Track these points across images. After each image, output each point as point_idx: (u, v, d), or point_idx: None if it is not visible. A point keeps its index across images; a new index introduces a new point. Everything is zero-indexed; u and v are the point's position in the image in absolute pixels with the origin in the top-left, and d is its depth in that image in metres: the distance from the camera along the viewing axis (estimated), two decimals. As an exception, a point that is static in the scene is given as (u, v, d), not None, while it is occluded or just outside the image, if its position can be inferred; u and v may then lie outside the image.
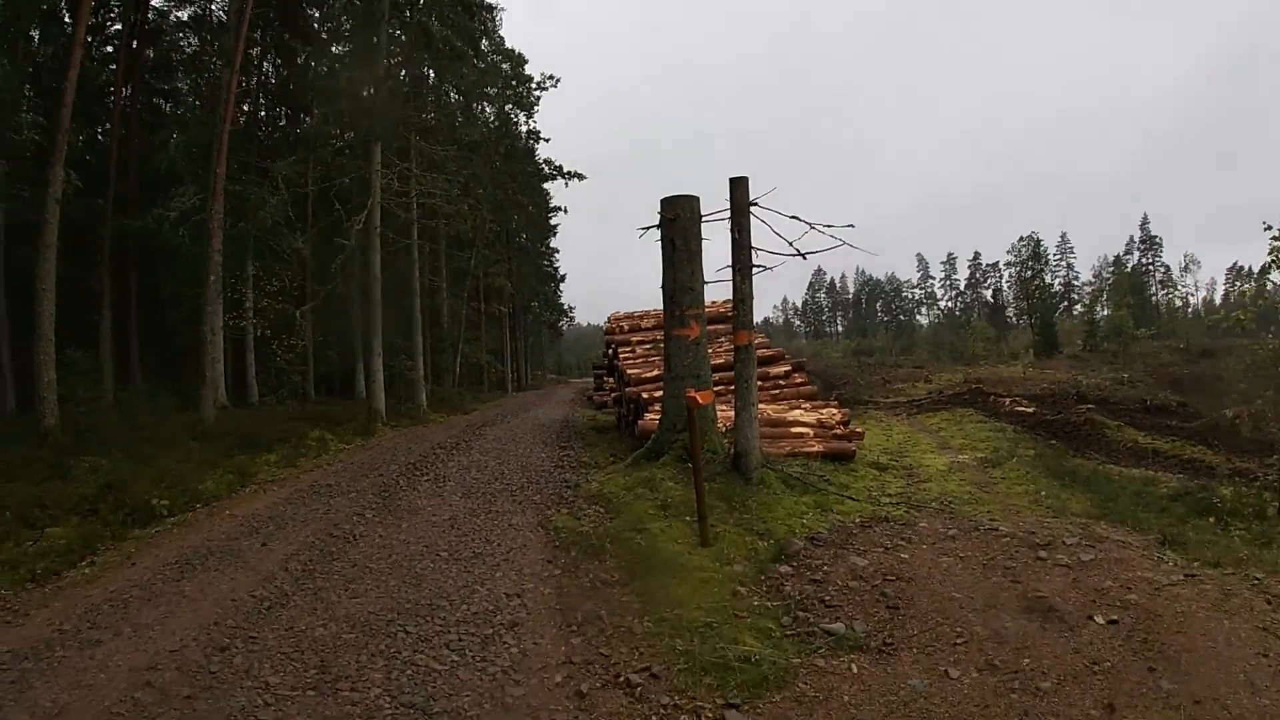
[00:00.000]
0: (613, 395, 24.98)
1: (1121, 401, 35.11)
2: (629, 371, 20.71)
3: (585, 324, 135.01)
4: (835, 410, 17.79)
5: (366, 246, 30.37)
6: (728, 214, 13.40)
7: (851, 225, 12.82)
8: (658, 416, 16.20)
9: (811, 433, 16.63)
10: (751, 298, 13.24)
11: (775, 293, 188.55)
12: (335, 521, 12.82)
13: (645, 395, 18.73)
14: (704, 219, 14.88)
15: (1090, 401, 33.58)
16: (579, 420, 28.44)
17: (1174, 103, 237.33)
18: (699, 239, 14.90)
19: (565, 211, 74.12)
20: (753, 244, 13.20)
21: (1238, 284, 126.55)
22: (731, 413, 13.76)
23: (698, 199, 14.99)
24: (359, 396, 38.66)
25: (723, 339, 20.79)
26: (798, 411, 17.60)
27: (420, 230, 44.46)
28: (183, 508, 14.33)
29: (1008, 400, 30.92)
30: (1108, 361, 64.08)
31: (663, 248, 15.09)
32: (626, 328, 24.19)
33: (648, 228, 15.29)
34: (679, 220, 14.78)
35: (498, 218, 57.59)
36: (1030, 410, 28.74)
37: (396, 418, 31.09)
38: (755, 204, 13.22)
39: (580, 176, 61.45)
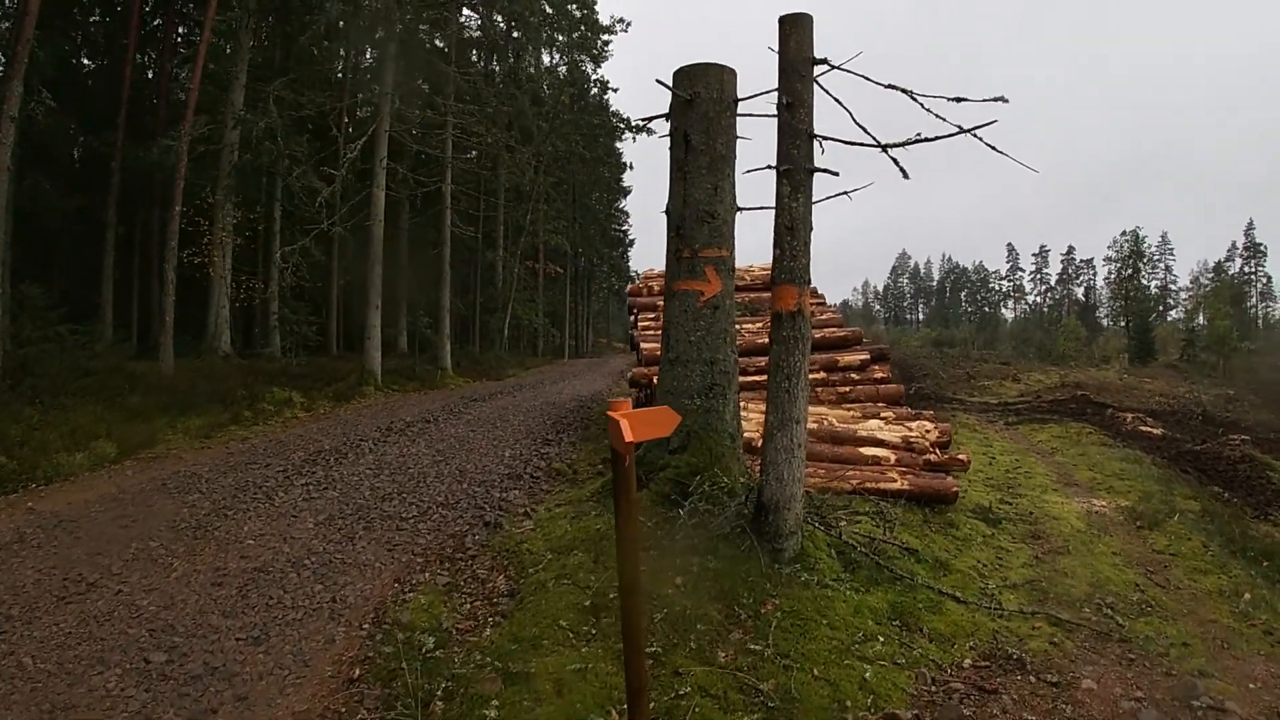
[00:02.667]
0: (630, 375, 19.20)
1: (1256, 428, 28.61)
2: (644, 346, 14.70)
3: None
4: (930, 424, 11.62)
5: (371, 183, 24.84)
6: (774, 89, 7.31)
7: (999, 104, 6.73)
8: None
9: (894, 458, 10.77)
10: (808, 227, 7.09)
11: (856, 275, 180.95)
12: (98, 549, 8.65)
13: (657, 380, 12.80)
14: (740, 105, 8.85)
15: (1228, 427, 27.06)
16: (605, 399, 22.78)
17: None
18: (729, 136, 8.93)
19: (631, 168, 66.97)
20: (815, 130, 7.07)
21: None
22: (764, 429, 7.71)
23: (731, 72, 9.00)
24: (401, 351, 33.81)
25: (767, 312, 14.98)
26: (874, 423, 11.49)
27: (468, 177, 39.33)
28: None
29: (1129, 417, 24.46)
30: (1206, 374, 58.59)
31: (671, 149, 9.08)
32: (656, 289, 18.09)
33: (649, 119, 9.33)
34: (698, 104, 8.81)
35: (561, 172, 52.08)
36: (1159, 433, 22.39)
37: (400, 380, 26.30)
38: (825, 63, 7.08)
39: (650, 131, 55.01)
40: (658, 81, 8.27)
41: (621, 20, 48.98)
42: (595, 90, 52.91)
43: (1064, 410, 27.73)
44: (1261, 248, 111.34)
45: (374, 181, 24.90)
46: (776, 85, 7.11)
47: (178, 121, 24.58)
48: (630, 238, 74.81)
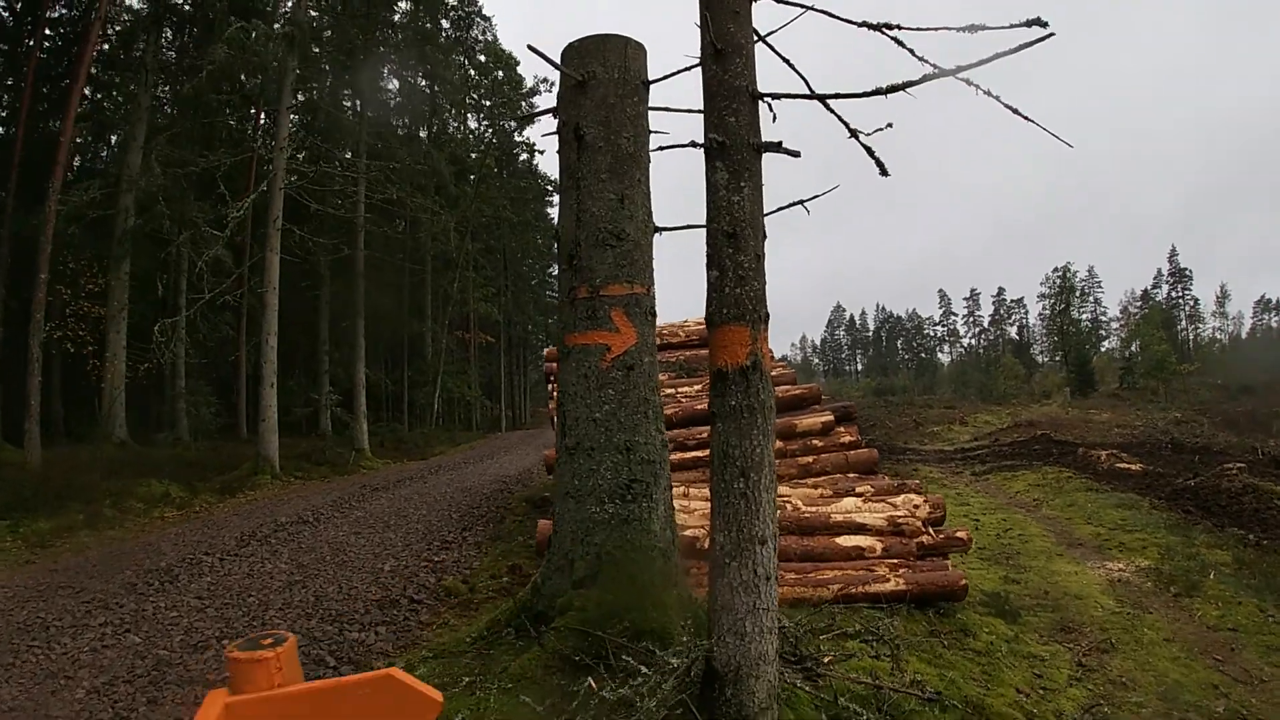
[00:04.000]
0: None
1: (1232, 451, 26.54)
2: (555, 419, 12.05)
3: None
4: (918, 497, 8.97)
5: (265, 246, 22.16)
6: (697, 60, 4.72)
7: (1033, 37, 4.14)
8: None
9: (880, 547, 8.14)
10: (759, 233, 4.50)
11: (795, 329, 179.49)
12: None
13: (554, 477, 10.21)
14: (650, 88, 6.38)
15: (1205, 454, 24.90)
16: (533, 478, 20.27)
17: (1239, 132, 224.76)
18: (639, 129, 6.36)
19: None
20: (758, 88, 4.52)
21: (1265, 316, 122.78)
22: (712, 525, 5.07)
23: (637, 46, 6.50)
24: (324, 431, 30.96)
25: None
26: (850, 502, 8.80)
27: (391, 243, 36.81)
28: None
29: (1103, 455, 22.17)
30: (1148, 400, 57.90)
31: (560, 151, 6.54)
32: None
33: (535, 114, 6.80)
34: (594, 87, 6.29)
35: (490, 238, 49.59)
36: (1138, 469, 20.12)
37: (306, 467, 23.46)
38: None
39: (532, 120, 52.85)
40: (531, 49, 5.60)
41: (545, 80, 47.03)
42: (523, 155, 50.76)
43: (1029, 453, 25.85)
44: (1186, 272, 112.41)
45: (268, 244, 22.14)
46: (700, 29, 4.57)
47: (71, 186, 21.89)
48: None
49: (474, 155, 44.70)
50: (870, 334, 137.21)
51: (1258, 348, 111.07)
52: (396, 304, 39.20)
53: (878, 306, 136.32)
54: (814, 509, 8.53)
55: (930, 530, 8.55)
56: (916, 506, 8.68)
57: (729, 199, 4.35)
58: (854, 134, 4.53)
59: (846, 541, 8.10)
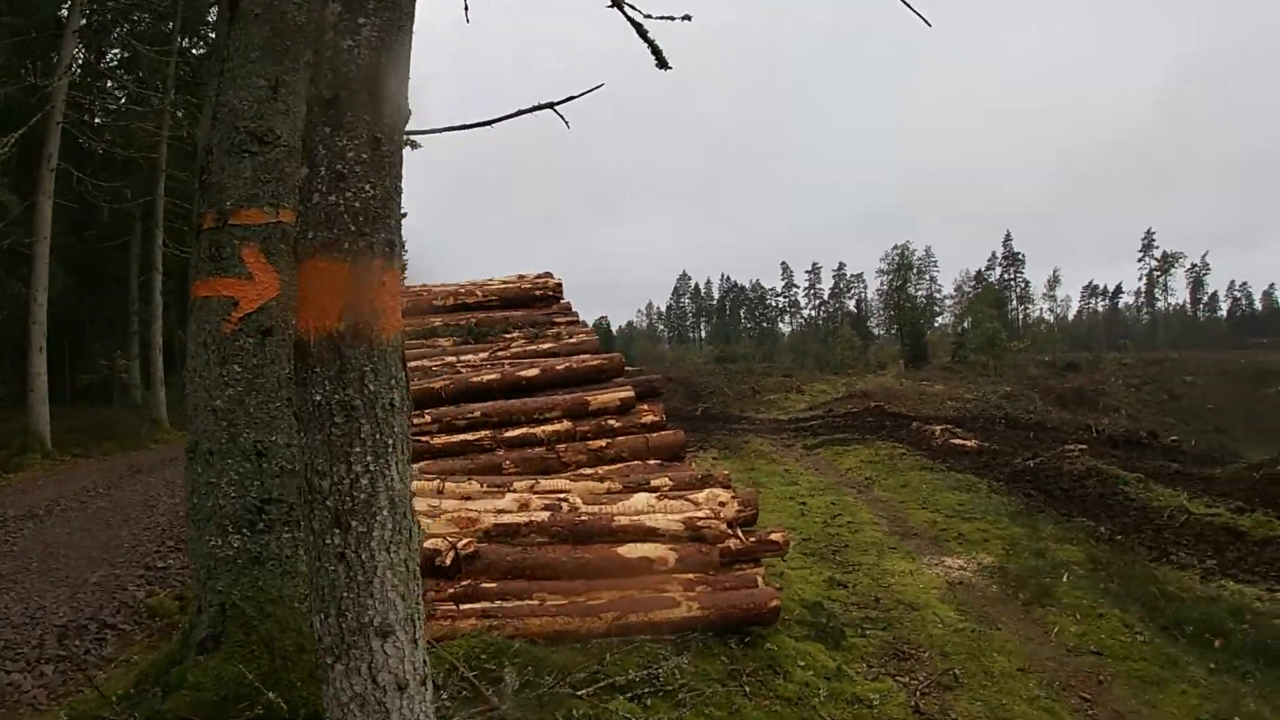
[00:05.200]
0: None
1: (1064, 429, 26.02)
2: None
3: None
4: (725, 492, 7.23)
5: (36, 191, 19.46)
6: None
7: None
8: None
9: (674, 558, 6.42)
10: (380, 105, 2.49)
11: (640, 298, 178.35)
12: None
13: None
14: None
15: (1038, 431, 24.27)
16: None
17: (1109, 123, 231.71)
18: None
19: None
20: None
21: (1090, 301, 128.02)
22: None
23: None
24: (132, 400, 27.79)
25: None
26: (642, 499, 6.98)
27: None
28: None
29: (937, 430, 21.22)
30: (979, 374, 58.49)
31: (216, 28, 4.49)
32: None
33: None
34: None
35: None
36: (973, 445, 19.17)
37: (89, 441, 21.51)
38: None
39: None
40: None
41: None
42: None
43: (862, 425, 24.88)
44: (1019, 256, 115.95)
45: (39, 188, 19.30)
46: None
47: None
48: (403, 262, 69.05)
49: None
50: (715, 303, 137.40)
51: (1083, 329, 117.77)
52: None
53: (723, 276, 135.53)
54: (595, 509, 6.74)
55: (739, 533, 6.87)
56: (722, 504, 6.96)
57: (338, 46, 2.46)
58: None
59: (631, 552, 6.35)
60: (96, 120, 24.37)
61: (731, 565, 6.69)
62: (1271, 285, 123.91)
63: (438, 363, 9.89)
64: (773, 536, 7.06)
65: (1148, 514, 12.58)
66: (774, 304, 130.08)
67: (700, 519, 6.62)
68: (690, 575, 6.31)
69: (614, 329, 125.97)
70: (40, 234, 19.32)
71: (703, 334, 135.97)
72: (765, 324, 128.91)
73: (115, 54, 27.39)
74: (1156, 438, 24.93)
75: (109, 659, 6.54)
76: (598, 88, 4.15)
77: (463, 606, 6.02)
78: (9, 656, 6.43)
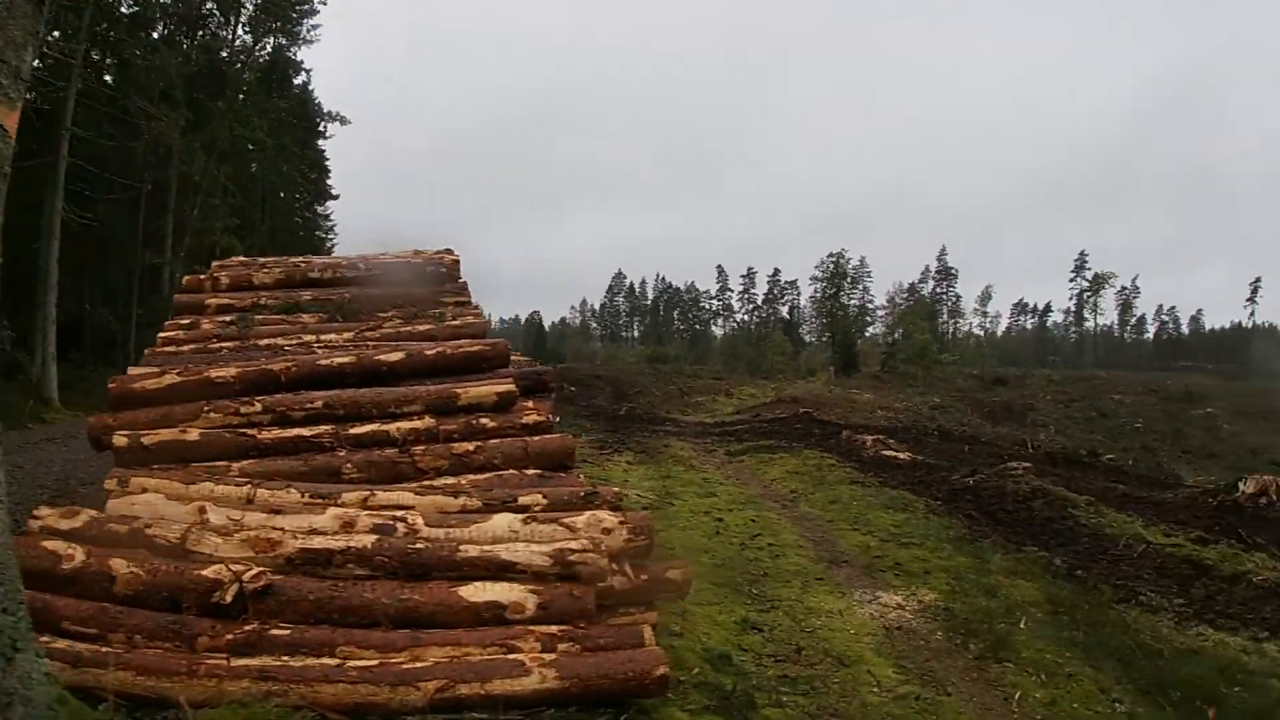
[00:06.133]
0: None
1: (998, 442, 24.77)
2: (131, 372, 8.00)
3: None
4: (609, 515, 5.54)
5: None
6: None
7: None
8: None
9: (533, 604, 4.75)
10: None
11: (574, 294, 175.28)
12: None
13: None
14: None
15: (972, 444, 22.97)
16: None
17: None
18: None
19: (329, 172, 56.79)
20: None
21: (1020, 318, 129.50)
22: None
23: None
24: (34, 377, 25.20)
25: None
26: (503, 521, 5.21)
27: (128, 159, 31.31)
28: None
29: (868, 441, 19.74)
30: (908, 385, 57.46)
31: None
32: (226, 282, 10.94)
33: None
34: None
35: (245, 164, 43.68)
36: (906, 458, 17.76)
37: None
38: None
39: (343, 120, 47.02)
40: None
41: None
42: (301, 79, 45.18)
43: (790, 432, 23.41)
44: (952, 271, 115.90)
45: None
46: None
47: None
48: (332, 244, 65.07)
49: (238, 66, 39.18)
50: (649, 303, 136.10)
51: (1012, 345, 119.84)
52: (129, 230, 33.53)
53: (658, 276, 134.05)
54: (441, 533, 5.04)
55: (627, 569, 5.23)
56: (607, 531, 5.29)
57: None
58: None
59: (477, 594, 4.65)
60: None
61: (613, 611, 5.07)
62: (1199, 311, 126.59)
63: (293, 342, 8.07)
64: (670, 575, 5.47)
65: (1102, 542, 11.22)
66: (708, 307, 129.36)
67: (575, 551, 4.94)
68: (554, 629, 4.63)
69: (547, 325, 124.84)
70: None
71: (636, 333, 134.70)
72: (698, 326, 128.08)
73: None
74: (1098, 456, 23.79)
75: None
76: None
77: (236, 662, 4.31)
78: None
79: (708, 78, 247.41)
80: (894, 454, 18.30)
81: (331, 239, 55.42)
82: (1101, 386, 54.79)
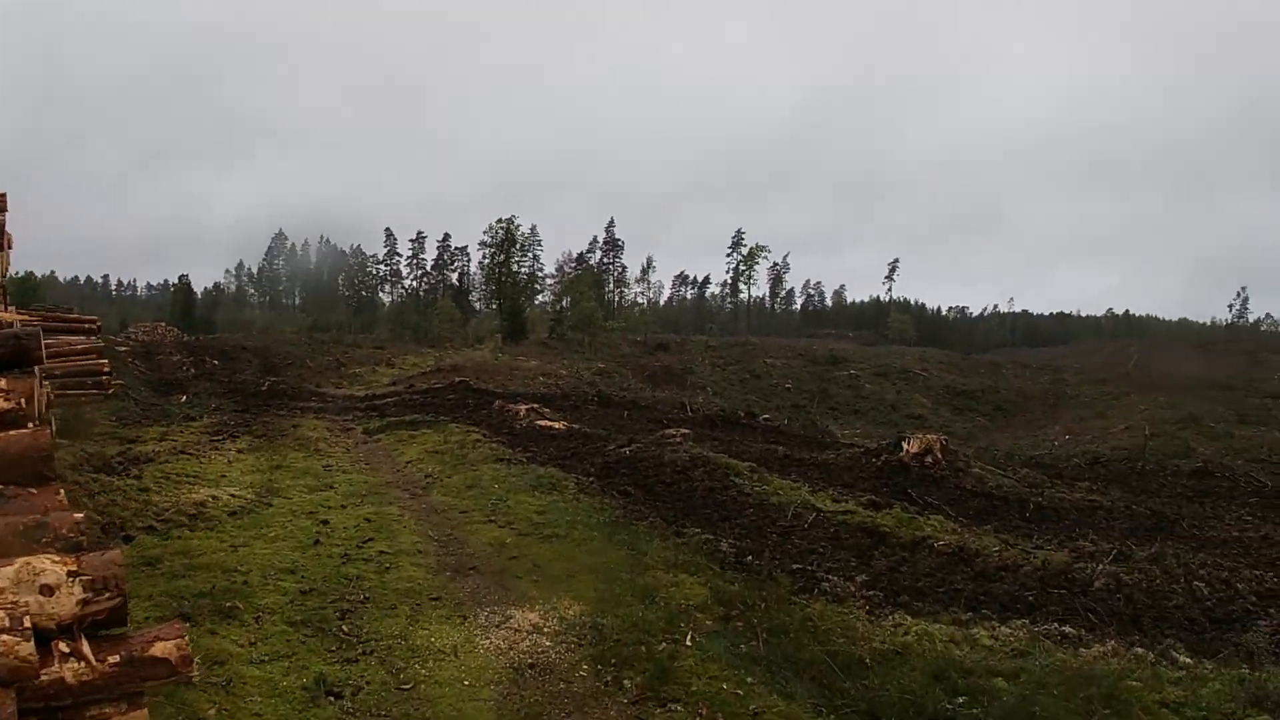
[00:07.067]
0: None
1: (660, 407, 23.83)
2: None
3: None
4: (55, 563, 3.37)
5: None
6: None
7: None
8: None
9: None
10: None
11: (230, 258, 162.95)
12: None
13: None
14: None
15: (630, 409, 21.80)
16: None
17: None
18: None
19: None
20: None
21: (682, 289, 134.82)
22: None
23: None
24: None
25: None
26: None
27: None
28: None
29: (522, 410, 18.14)
30: (575, 351, 57.86)
31: None
32: None
33: None
34: None
35: None
36: (561, 428, 16.33)
37: None
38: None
39: None
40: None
41: None
42: None
43: (442, 404, 21.57)
44: (619, 242, 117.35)
45: None
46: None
47: None
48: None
49: None
50: (312, 267, 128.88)
51: (673, 314, 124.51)
52: None
53: (321, 238, 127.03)
54: None
55: (84, 648, 3.13)
56: (48, 589, 3.13)
57: None
58: None
59: None
60: None
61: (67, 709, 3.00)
62: (842, 286, 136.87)
63: None
64: (155, 651, 3.38)
65: (769, 513, 10.17)
66: (374, 272, 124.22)
67: (24, 608, 2.78)
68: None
69: (199, 291, 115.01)
70: None
71: (298, 301, 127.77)
72: (365, 293, 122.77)
73: None
74: (755, 416, 23.41)
75: None
76: None
77: None
78: None
79: (400, 29, 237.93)
80: (549, 424, 16.79)
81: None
82: (754, 351, 56.64)
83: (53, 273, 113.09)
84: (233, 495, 9.86)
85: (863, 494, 11.42)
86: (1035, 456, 20.99)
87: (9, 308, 12.18)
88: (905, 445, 13.72)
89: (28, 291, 76.81)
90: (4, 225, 10.73)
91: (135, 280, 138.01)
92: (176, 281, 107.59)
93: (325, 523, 8.81)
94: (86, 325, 22.52)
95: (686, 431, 15.02)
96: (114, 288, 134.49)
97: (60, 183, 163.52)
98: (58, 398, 17.53)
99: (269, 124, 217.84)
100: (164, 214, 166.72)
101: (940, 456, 13.43)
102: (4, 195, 9.95)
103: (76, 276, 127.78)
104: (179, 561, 7.14)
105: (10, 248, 12.27)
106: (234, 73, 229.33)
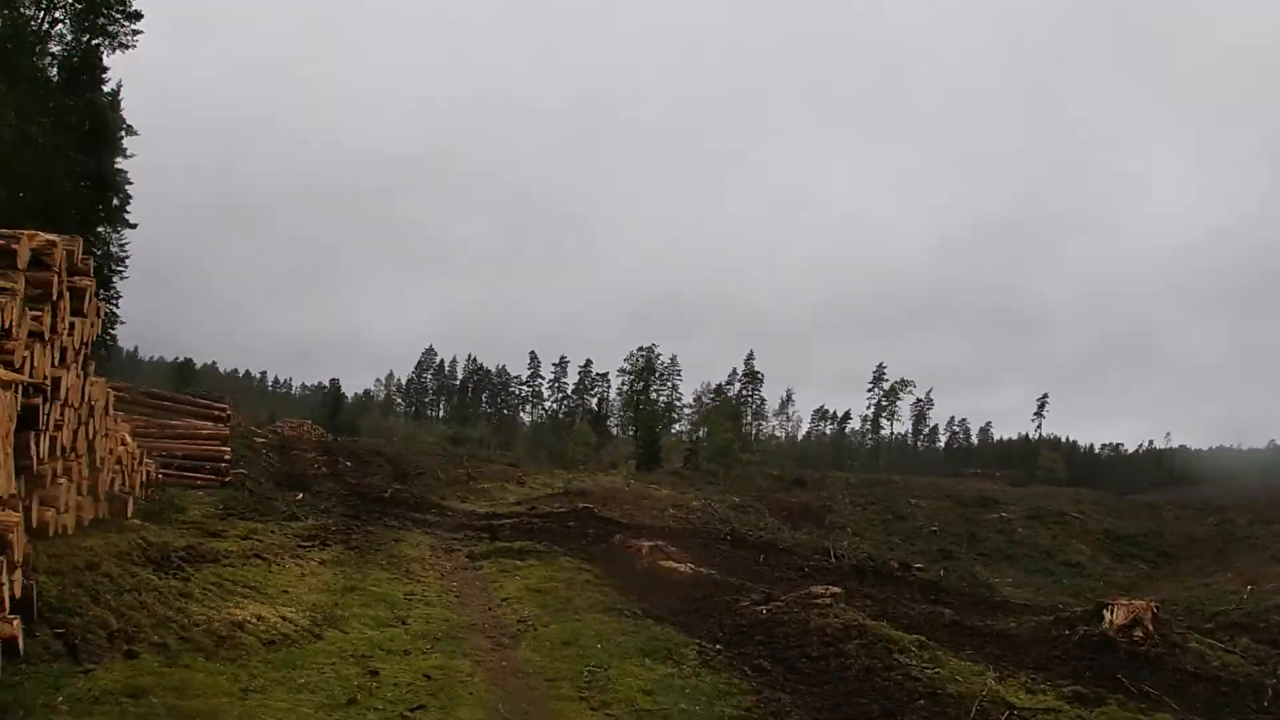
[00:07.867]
0: None
1: (797, 550, 21.34)
2: None
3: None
4: None
5: None
6: None
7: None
8: None
9: None
10: None
11: (381, 367, 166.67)
12: None
13: None
14: None
15: (766, 551, 19.38)
16: None
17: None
18: None
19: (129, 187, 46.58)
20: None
21: (821, 424, 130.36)
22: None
23: None
24: None
25: None
26: None
27: None
28: None
29: (645, 548, 15.95)
30: (709, 482, 55.01)
31: None
32: None
33: None
34: None
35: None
36: (687, 572, 14.20)
37: None
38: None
39: (130, 130, 40.54)
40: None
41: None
42: (111, 85, 38.98)
43: (559, 530, 19.54)
44: (759, 375, 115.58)
45: None
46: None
47: None
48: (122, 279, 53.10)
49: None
50: (457, 383, 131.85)
51: (811, 448, 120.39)
52: None
53: (469, 357, 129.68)
54: None
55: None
56: None
57: None
58: None
59: None
60: None
61: None
62: (988, 423, 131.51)
63: None
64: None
65: (947, 708, 7.67)
66: (517, 392, 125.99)
67: None
68: None
69: (349, 395, 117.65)
70: None
71: (441, 412, 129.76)
72: (506, 411, 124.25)
73: None
74: (910, 569, 20.72)
75: None
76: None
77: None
78: None
79: (549, 160, 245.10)
80: (674, 565, 14.49)
81: (121, 271, 45.10)
82: (896, 490, 53.44)
83: (214, 363, 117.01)
84: (283, 618, 8.01)
85: (1063, 682, 8.74)
86: (1220, 613, 17.84)
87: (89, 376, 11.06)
88: (1108, 615, 10.84)
89: (183, 377, 78.57)
90: (92, 291, 10.39)
91: (291, 379, 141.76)
92: (328, 384, 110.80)
93: (374, 674, 6.71)
94: (216, 411, 22.17)
95: (836, 590, 12.48)
96: (270, 384, 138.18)
97: (234, 284, 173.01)
98: (172, 479, 16.64)
99: (431, 244, 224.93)
100: (321, 320, 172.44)
101: (1152, 629, 10.56)
102: (90, 260, 9.55)
103: (236, 369, 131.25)
104: (166, 699, 5.31)
105: (100, 316, 11.61)
106: (404, 193, 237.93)
